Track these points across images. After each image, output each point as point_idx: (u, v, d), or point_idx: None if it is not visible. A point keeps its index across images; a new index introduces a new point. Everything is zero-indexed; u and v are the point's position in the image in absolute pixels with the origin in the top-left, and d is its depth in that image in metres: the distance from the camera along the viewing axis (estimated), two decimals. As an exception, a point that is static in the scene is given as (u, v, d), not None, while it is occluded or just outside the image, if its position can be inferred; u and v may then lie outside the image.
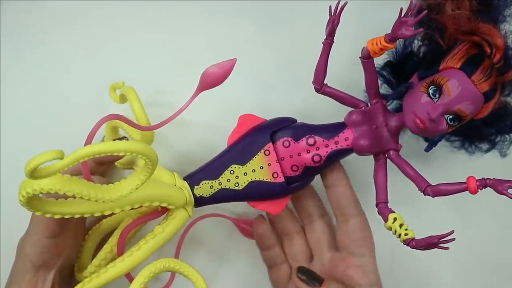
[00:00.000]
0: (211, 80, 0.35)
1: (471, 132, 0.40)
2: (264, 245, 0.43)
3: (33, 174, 0.26)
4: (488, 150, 0.41)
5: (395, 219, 0.35)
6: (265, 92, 0.48)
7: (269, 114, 0.41)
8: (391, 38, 0.34)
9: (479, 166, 0.41)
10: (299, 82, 0.41)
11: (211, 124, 0.47)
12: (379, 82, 0.40)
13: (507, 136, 0.40)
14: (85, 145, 0.30)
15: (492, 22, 0.36)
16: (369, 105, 0.39)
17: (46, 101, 0.48)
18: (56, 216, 0.30)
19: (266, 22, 0.49)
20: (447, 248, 0.33)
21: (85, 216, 0.31)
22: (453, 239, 0.32)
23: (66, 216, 0.30)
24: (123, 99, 0.41)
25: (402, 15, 0.34)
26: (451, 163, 0.46)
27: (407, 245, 0.34)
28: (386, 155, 0.38)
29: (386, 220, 0.36)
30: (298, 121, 0.40)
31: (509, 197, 0.32)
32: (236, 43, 0.48)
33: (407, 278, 0.49)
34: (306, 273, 0.41)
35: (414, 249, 0.34)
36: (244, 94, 0.47)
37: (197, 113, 0.39)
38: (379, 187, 0.38)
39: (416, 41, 0.39)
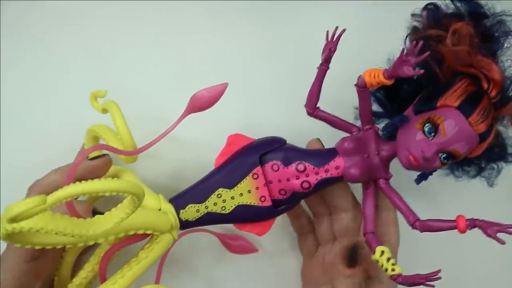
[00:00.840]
0: (200, 104, 0.35)
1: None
2: (292, 214, 0.45)
3: (13, 220, 0.26)
4: (475, 176, 0.40)
5: (382, 252, 0.35)
6: (258, 108, 0.48)
7: (261, 131, 0.41)
8: (390, 75, 0.33)
9: (471, 195, 0.40)
10: (293, 101, 0.41)
11: (202, 140, 0.47)
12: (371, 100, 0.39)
13: (494, 165, 0.39)
14: (67, 180, 0.30)
15: (491, 56, 0.35)
16: (361, 130, 0.38)
17: (46, 101, 0.48)
18: (37, 247, 0.30)
19: (265, 38, 0.48)
20: (433, 286, 0.33)
21: (68, 246, 0.32)
22: (440, 278, 0.33)
23: (48, 247, 0.30)
24: (105, 111, 0.40)
25: (404, 54, 0.33)
26: (443, 189, 0.46)
27: (393, 281, 0.35)
28: (376, 184, 0.38)
29: (373, 252, 0.36)
30: (287, 143, 0.40)
31: (498, 241, 0.32)
32: (231, 58, 0.48)
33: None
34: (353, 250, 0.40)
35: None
36: (237, 111, 0.47)
37: (188, 128, 0.39)
38: (367, 217, 0.38)
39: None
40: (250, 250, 0.45)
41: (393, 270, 0.34)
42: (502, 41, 0.35)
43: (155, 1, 0.48)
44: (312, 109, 0.39)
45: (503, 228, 0.32)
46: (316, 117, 0.39)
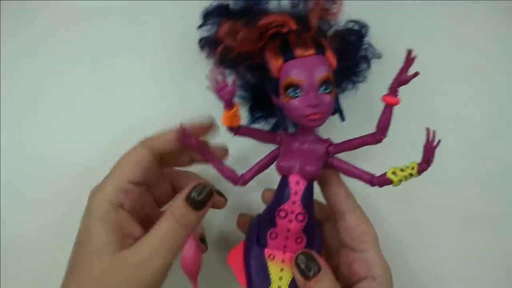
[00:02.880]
0: (192, 262, 0.37)
1: (342, 73, 0.42)
2: None
3: None
4: (368, 67, 0.44)
5: (393, 173, 0.36)
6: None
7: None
8: (227, 104, 0.36)
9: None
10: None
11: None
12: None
13: (361, 49, 0.43)
14: None
15: (264, 14, 0.39)
16: (279, 145, 0.41)
17: (46, 101, 0.48)
18: None
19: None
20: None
21: None
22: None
23: None
24: None
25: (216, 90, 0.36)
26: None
27: (423, 171, 0.36)
28: (329, 155, 0.40)
29: (391, 182, 0.37)
30: (259, 212, 0.41)
31: (414, 76, 0.34)
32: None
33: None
34: (308, 258, 0.38)
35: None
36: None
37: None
38: (356, 173, 0.39)
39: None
40: None
41: (412, 168, 0.36)
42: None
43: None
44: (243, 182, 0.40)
45: (406, 68, 0.35)
46: (250, 180, 0.41)
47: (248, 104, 0.44)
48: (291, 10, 0.40)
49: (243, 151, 0.47)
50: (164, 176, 0.43)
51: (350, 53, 0.42)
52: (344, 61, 0.41)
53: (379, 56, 0.44)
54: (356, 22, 0.43)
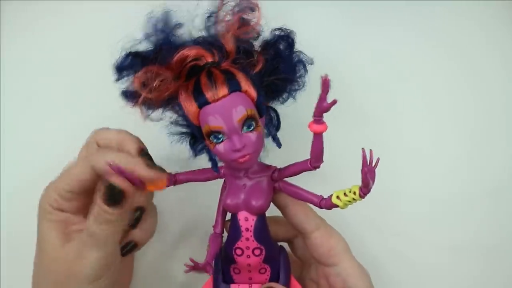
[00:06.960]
0: None
1: (272, 92, 0.40)
2: None
3: None
4: (305, 72, 0.41)
5: (338, 198, 0.35)
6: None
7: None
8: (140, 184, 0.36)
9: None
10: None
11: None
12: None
13: (294, 54, 0.40)
14: None
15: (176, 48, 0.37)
16: (225, 179, 0.40)
17: (46, 101, 0.49)
18: None
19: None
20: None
21: None
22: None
23: None
24: None
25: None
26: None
27: (364, 195, 0.34)
28: (276, 181, 0.39)
29: (336, 205, 0.36)
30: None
31: (333, 103, 0.32)
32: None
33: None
34: None
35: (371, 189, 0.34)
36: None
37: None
38: (304, 196, 0.38)
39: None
40: None
41: (354, 193, 0.34)
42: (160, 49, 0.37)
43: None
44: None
45: (324, 96, 0.32)
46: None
47: (187, 138, 0.43)
48: (205, 38, 0.38)
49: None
50: None
51: (284, 61, 0.40)
52: (280, 72, 0.39)
53: (311, 62, 0.41)
54: (280, 29, 0.40)
